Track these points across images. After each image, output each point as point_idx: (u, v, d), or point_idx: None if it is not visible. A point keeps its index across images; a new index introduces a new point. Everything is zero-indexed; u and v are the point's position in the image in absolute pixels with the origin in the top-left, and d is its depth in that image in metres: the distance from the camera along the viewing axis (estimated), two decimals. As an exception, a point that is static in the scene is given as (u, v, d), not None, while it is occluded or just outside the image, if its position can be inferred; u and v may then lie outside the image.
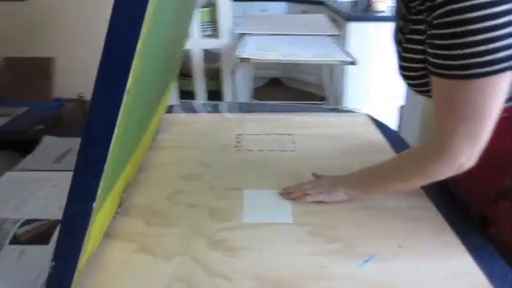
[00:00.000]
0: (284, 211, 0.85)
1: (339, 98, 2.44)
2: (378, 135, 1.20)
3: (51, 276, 0.59)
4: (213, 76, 2.06)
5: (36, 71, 1.78)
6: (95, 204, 0.55)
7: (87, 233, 0.56)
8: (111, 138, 0.52)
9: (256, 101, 2.26)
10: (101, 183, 0.55)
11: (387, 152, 1.09)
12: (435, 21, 0.63)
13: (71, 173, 1.01)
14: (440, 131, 0.68)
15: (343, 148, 1.11)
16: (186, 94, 2.08)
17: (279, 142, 1.15)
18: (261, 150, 1.10)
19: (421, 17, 0.68)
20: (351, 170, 0.89)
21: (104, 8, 1.74)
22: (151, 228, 0.80)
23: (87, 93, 1.80)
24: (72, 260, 0.58)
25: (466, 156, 0.67)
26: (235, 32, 1.96)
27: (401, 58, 0.77)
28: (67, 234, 0.57)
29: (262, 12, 3.76)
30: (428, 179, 0.74)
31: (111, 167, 0.59)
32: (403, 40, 0.75)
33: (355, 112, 1.41)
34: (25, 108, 1.69)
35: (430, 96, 0.72)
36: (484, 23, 0.58)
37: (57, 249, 0.57)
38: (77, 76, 1.83)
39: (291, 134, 1.20)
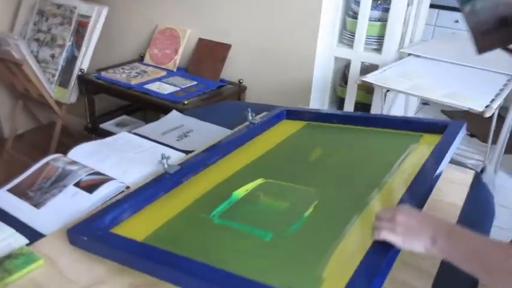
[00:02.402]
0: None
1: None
2: (459, 202, 1.04)
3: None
4: (370, 90, 2.03)
5: (216, 54, 2.11)
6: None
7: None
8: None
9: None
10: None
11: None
12: None
13: (157, 145, 1.24)
14: None
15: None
16: (342, 101, 2.12)
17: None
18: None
19: None
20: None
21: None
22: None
23: (246, 80, 2.05)
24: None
25: None
26: (400, 50, 1.87)
27: None
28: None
29: (454, 24, 3.39)
30: None
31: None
32: None
33: (467, 168, 1.23)
34: (194, 83, 2.04)
35: None
36: None
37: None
38: (241, 63, 2.09)
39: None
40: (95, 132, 2.19)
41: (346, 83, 2.14)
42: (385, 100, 1.81)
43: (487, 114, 1.21)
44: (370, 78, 1.43)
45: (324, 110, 1.39)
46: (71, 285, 0.76)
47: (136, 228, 0.87)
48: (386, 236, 0.69)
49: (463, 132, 1.07)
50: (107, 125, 2.20)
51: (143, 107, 2.26)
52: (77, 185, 1.00)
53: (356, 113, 1.31)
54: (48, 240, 0.85)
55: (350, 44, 1.97)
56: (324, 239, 0.80)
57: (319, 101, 2.04)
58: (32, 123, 2.97)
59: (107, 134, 2.17)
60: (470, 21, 0.79)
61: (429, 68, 1.70)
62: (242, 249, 0.79)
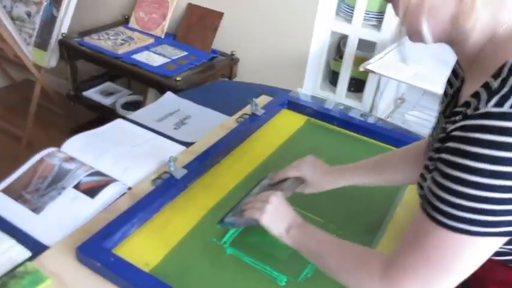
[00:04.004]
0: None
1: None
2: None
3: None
4: (365, 65, 1.98)
5: (207, 22, 2.01)
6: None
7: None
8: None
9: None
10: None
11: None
12: (442, 155, 0.55)
13: (156, 136, 1.19)
14: (398, 257, 0.59)
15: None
16: (334, 74, 2.07)
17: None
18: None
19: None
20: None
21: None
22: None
23: (239, 52, 1.97)
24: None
25: None
26: (401, 27, 1.81)
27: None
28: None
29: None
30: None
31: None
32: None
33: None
34: (185, 53, 1.94)
35: None
36: (488, 179, 0.49)
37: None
38: (233, 33, 2.00)
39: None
40: (78, 100, 2.09)
41: (340, 57, 2.08)
42: (379, 81, 1.78)
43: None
44: (373, 66, 1.39)
45: (324, 107, 1.36)
46: (82, 308, 0.74)
47: (147, 249, 0.85)
48: (252, 214, 0.78)
49: None
50: (90, 93, 2.09)
51: (131, 78, 2.14)
52: (76, 187, 0.95)
53: (356, 120, 1.29)
54: (53, 254, 0.82)
55: (347, 18, 1.90)
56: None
57: (313, 76, 1.99)
58: (3, 81, 2.81)
59: (91, 102, 2.08)
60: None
61: (429, 51, 1.67)
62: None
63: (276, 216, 0.77)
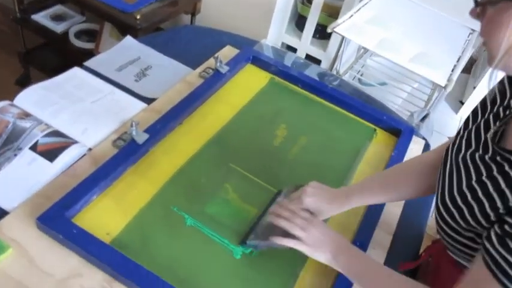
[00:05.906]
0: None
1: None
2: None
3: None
4: (333, 13, 1.95)
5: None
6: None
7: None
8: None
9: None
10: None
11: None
12: None
13: (115, 90, 1.16)
14: None
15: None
16: (301, 18, 2.02)
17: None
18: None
19: None
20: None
21: None
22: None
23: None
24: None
25: None
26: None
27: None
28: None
29: None
30: None
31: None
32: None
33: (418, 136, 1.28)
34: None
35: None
36: None
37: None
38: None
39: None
40: (26, 24, 1.93)
41: (308, 0, 2.03)
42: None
43: (448, 89, 1.26)
44: (341, 28, 1.38)
45: (288, 67, 1.36)
46: (47, 278, 0.75)
47: (108, 218, 0.86)
48: (297, 246, 0.77)
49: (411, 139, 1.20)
50: (39, 17, 1.94)
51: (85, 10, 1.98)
52: (33, 148, 0.93)
53: (320, 84, 1.30)
54: (12, 221, 0.81)
55: (318, -39, 1.83)
56: (291, 256, 0.85)
57: (280, 19, 1.95)
58: None
59: (41, 27, 1.93)
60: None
61: (397, 11, 1.66)
62: (213, 264, 0.84)
63: (319, 247, 0.77)
